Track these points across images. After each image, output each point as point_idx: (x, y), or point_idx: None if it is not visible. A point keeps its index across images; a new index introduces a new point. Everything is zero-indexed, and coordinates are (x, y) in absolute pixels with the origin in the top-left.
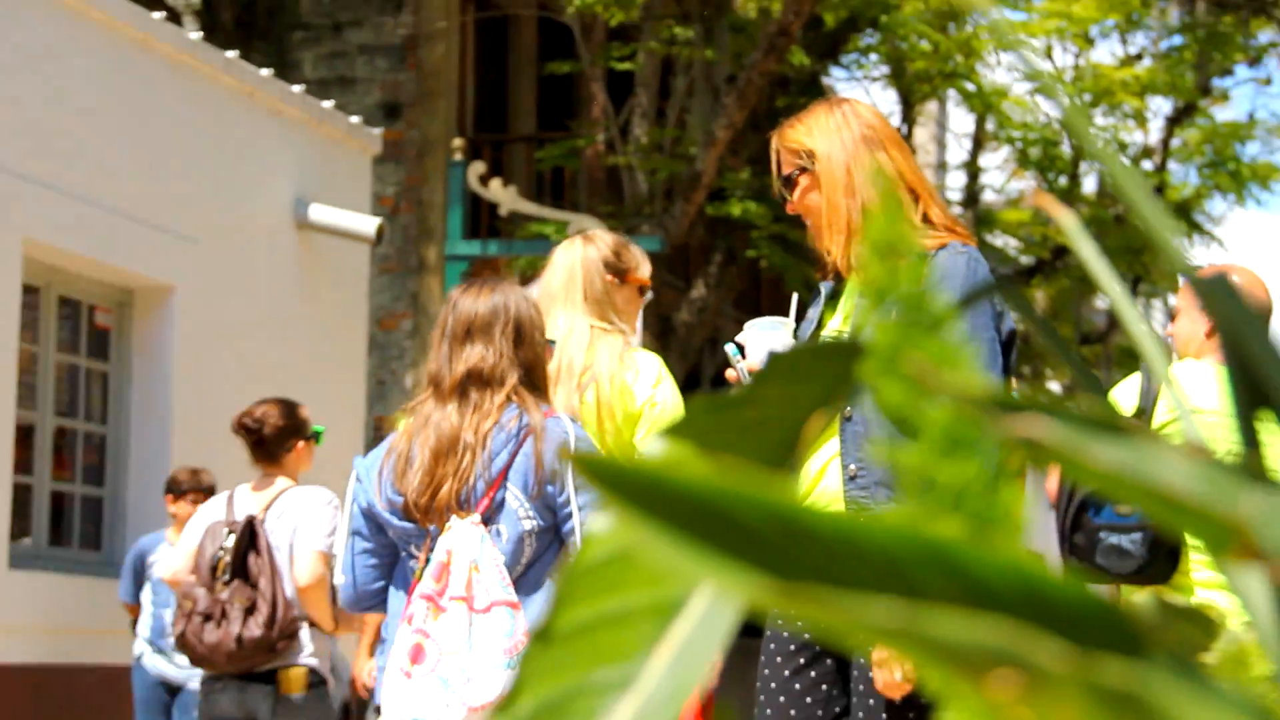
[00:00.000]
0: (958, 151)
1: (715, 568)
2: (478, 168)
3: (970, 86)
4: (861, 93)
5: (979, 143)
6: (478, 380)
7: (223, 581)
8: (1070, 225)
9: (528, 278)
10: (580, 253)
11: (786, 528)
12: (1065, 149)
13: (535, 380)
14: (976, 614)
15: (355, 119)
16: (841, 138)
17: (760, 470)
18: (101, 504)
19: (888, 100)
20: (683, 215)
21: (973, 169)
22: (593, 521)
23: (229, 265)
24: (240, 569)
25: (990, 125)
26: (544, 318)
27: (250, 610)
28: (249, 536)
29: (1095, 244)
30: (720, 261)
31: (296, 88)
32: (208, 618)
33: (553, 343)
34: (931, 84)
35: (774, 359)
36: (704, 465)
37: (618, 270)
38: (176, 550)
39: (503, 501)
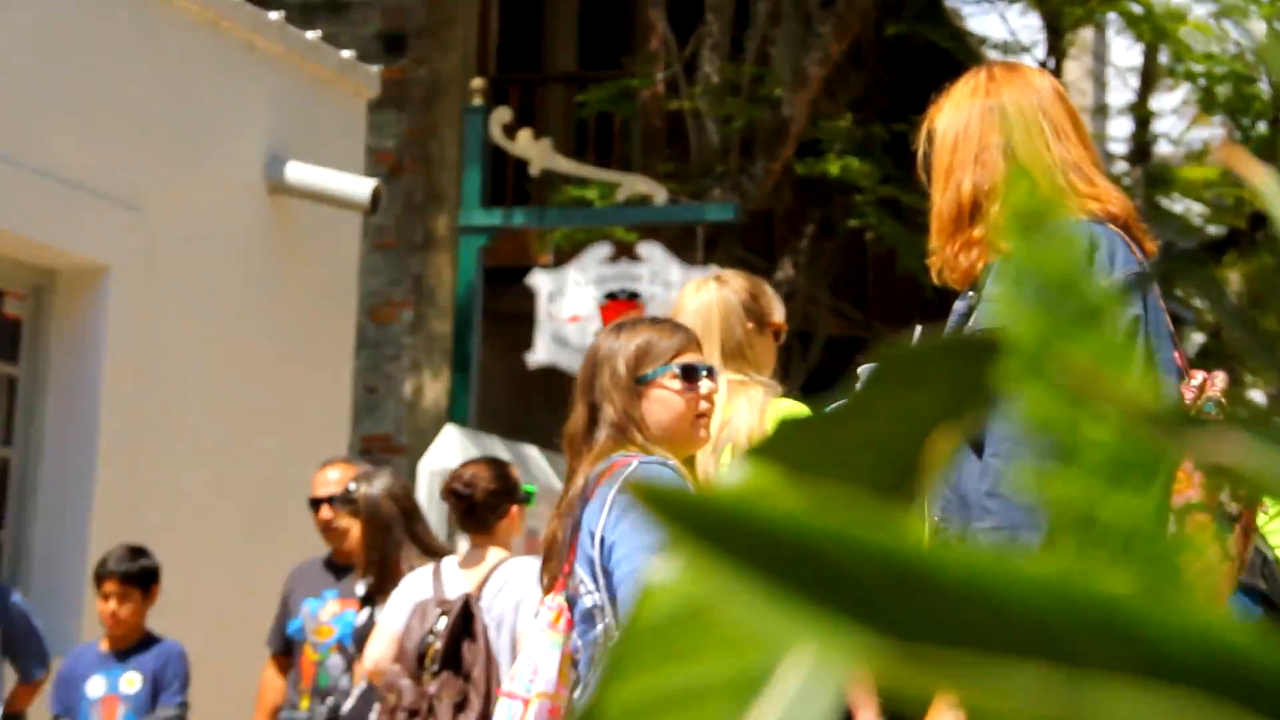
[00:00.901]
0: (1122, 92)
1: (813, 627)
2: (502, 115)
3: (1136, 8)
4: (996, 20)
5: (1149, 80)
6: (569, 447)
7: (431, 672)
8: (1267, 187)
9: (564, 255)
10: (715, 296)
11: (904, 575)
12: (1264, 87)
13: (627, 432)
14: (1154, 688)
15: (347, 53)
16: (964, 111)
17: (870, 500)
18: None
19: (1029, 28)
20: (765, 175)
21: (1141, 114)
22: (653, 570)
23: (180, 239)
24: (452, 657)
25: (1163, 58)
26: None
27: (461, 706)
28: (464, 620)
29: None
30: (813, 234)
31: (273, 14)
32: (413, 714)
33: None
34: (1086, 6)
35: (886, 360)
36: (798, 495)
37: (756, 316)
38: (378, 634)
39: (574, 577)
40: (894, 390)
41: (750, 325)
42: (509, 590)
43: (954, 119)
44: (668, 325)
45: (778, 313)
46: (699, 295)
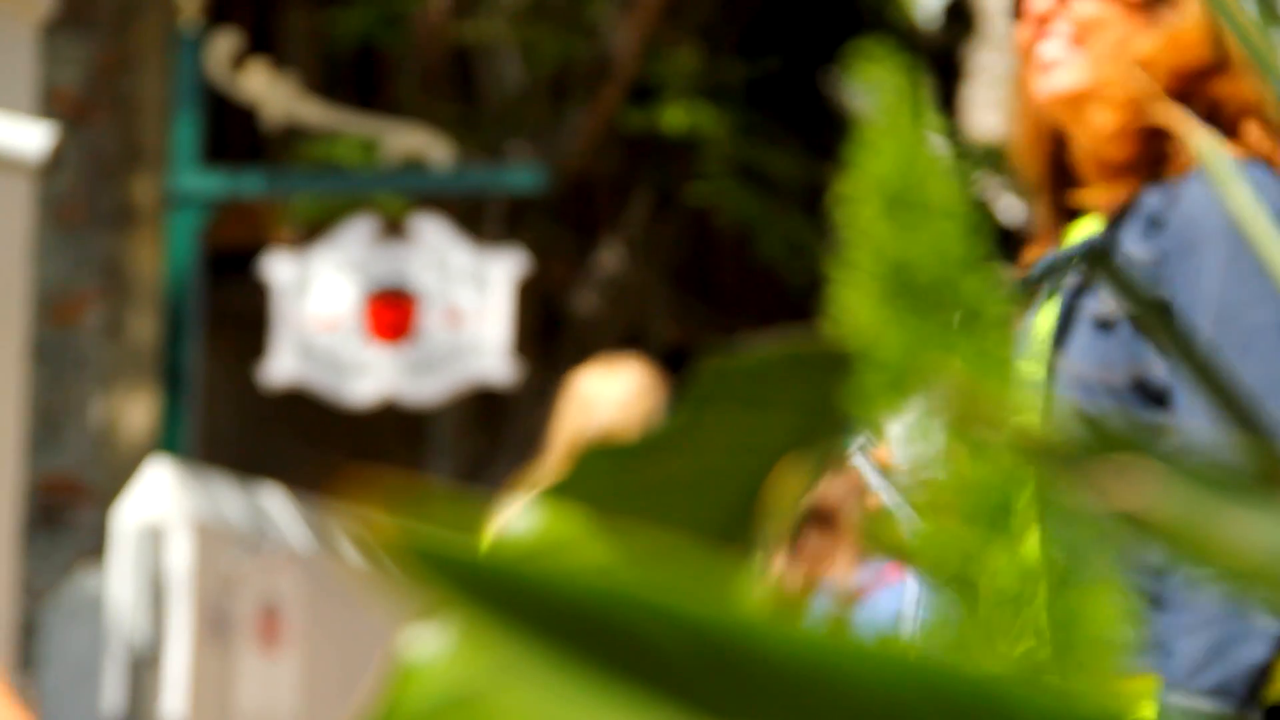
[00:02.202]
0: None
1: (614, 713)
2: (226, 43)
3: None
4: None
5: None
6: None
7: None
8: (1206, 153)
9: (312, 233)
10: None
11: (724, 654)
12: None
13: None
14: None
15: None
16: None
17: (694, 550)
18: None
19: None
20: (582, 129)
21: None
22: (416, 645)
23: None
24: None
25: None
26: None
27: None
28: None
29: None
30: (647, 209)
31: None
32: None
33: None
34: None
35: (713, 374)
36: (602, 547)
37: None
38: None
39: None
40: (727, 413)
41: None
42: None
43: None
44: None
45: None
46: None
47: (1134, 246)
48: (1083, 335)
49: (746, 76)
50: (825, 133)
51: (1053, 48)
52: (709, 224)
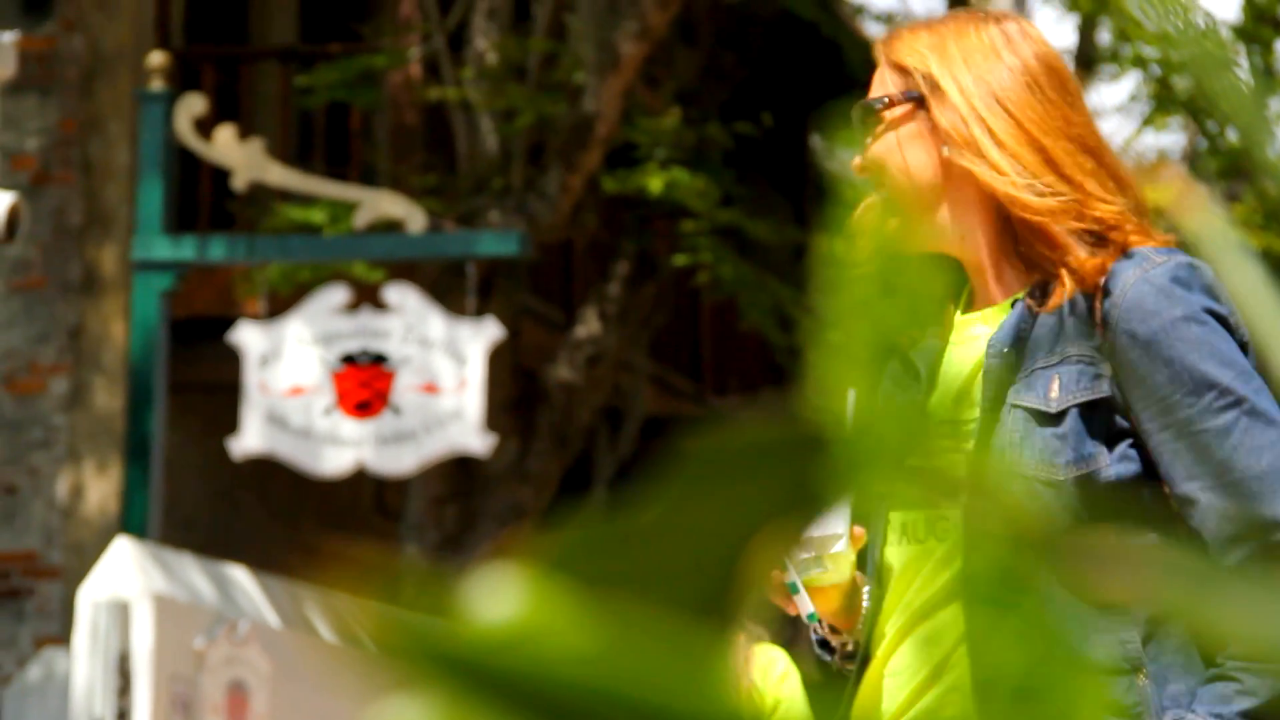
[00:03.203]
0: None
1: None
2: (193, 105)
3: None
4: None
5: (1085, 66)
6: None
7: None
8: (1214, 235)
9: (282, 302)
10: None
11: None
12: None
13: None
14: None
15: None
16: (993, 67)
17: (679, 628)
18: None
19: None
20: (561, 193)
21: None
22: None
23: None
24: None
25: (1105, 36)
26: None
27: None
28: None
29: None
30: (626, 275)
31: None
32: None
33: None
34: None
35: (692, 455)
36: (586, 630)
37: None
38: None
39: None
40: (708, 490)
41: None
42: None
43: (980, 71)
44: None
45: None
46: None
47: (1070, 346)
48: (1016, 427)
49: (730, 141)
50: (811, 198)
51: (886, 212)
52: (691, 292)
